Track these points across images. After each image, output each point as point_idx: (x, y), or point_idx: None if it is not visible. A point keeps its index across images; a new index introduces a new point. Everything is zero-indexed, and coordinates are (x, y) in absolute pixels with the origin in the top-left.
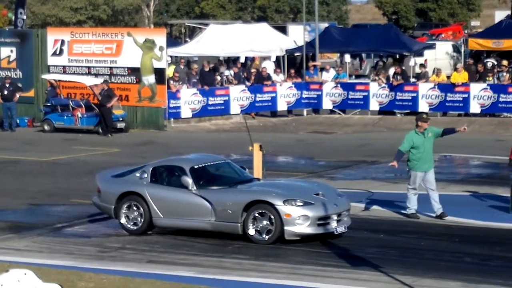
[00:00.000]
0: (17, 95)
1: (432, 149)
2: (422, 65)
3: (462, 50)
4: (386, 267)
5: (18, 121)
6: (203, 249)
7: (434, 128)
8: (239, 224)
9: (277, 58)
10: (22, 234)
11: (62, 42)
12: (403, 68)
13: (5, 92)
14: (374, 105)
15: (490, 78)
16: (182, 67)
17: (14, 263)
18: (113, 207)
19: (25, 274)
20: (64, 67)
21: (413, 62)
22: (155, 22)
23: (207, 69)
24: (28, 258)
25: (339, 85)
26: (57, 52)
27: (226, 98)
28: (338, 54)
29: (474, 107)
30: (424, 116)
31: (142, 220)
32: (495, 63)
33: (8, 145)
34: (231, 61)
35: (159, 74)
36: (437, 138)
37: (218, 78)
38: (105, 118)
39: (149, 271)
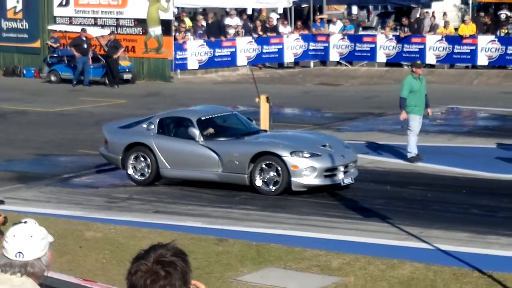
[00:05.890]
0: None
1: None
2: (433, 17)
3: (470, 2)
4: (393, 218)
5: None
6: (210, 200)
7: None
8: (246, 175)
9: (284, 9)
10: (29, 184)
11: None
12: (411, 20)
13: (85, 46)
14: (381, 57)
15: (505, 30)
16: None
17: (22, 213)
18: (120, 157)
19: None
20: (70, 18)
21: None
22: None
23: (212, 20)
24: (36, 208)
25: (346, 37)
26: (63, 3)
27: (233, 49)
28: (345, 6)
29: (482, 59)
30: (418, 62)
31: (149, 170)
32: (509, 14)
33: (15, 95)
34: (238, 13)
35: (166, 25)
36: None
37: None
38: (112, 69)
39: (157, 221)
